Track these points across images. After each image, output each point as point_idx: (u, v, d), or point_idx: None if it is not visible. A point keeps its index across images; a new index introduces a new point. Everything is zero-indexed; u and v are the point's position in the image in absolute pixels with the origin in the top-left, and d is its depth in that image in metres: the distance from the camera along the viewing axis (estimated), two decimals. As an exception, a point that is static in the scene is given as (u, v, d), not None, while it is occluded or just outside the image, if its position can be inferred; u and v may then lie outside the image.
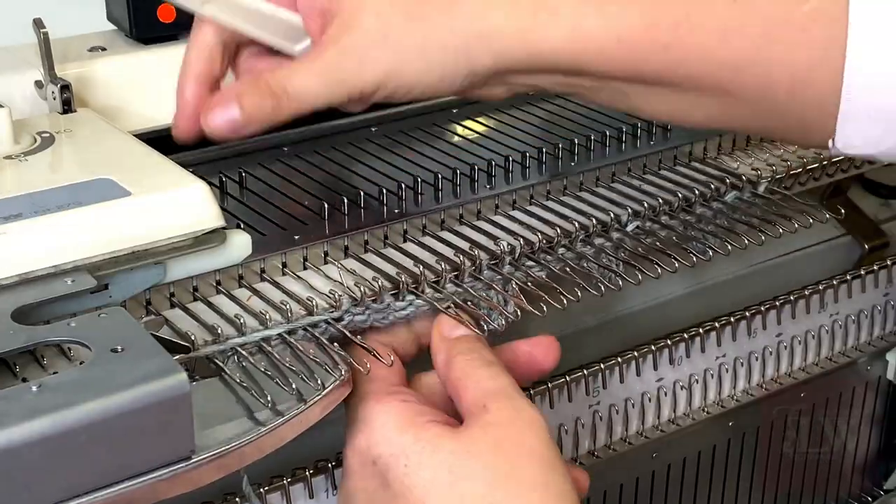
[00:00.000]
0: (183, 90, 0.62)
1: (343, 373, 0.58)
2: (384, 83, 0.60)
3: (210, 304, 0.64)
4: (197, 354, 0.59)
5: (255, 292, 0.65)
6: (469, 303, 0.65)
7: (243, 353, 0.60)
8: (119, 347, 0.50)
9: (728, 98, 0.62)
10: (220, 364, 0.59)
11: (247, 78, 0.63)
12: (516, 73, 0.61)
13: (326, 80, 0.59)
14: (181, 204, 0.59)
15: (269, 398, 0.56)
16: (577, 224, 0.72)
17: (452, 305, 0.65)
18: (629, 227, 0.73)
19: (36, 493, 0.46)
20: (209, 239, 0.59)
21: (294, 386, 0.57)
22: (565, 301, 0.67)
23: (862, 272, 0.90)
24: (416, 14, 0.59)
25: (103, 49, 0.79)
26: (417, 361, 0.66)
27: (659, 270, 0.69)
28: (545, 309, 0.66)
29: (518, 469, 0.56)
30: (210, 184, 0.62)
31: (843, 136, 0.61)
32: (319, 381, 0.57)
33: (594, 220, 0.72)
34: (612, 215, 0.73)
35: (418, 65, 0.60)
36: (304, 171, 0.78)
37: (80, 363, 0.50)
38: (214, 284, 0.65)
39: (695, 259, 0.72)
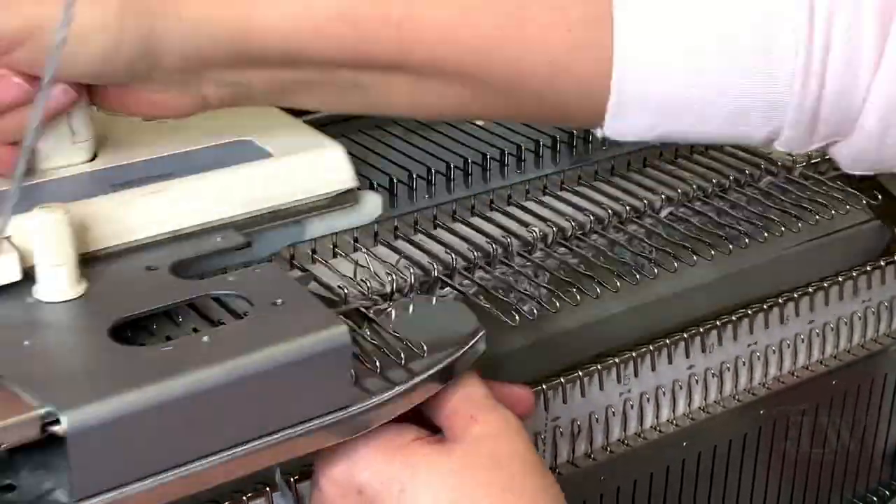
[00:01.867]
0: None
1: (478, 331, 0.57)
2: (26, 38, 0.50)
3: (352, 260, 0.65)
4: (348, 308, 0.59)
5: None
6: (500, 290, 0.64)
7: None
8: (278, 301, 0.51)
9: (476, 85, 0.55)
10: (373, 317, 0.59)
11: None
12: (214, 66, 0.53)
13: None
14: (318, 165, 0.61)
15: (420, 348, 0.55)
16: (609, 210, 0.71)
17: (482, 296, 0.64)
18: (662, 213, 0.73)
19: (206, 437, 0.48)
20: (344, 199, 0.61)
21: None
22: (598, 290, 0.66)
23: (895, 258, 0.88)
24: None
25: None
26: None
27: (695, 258, 0.68)
28: (578, 298, 0.65)
29: (518, 480, 0.54)
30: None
31: (612, 126, 0.56)
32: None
33: (627, 207, 0.71)
34: (645, 202, 0.72)
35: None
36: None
37: (240, 315, 0.52)
38: (352, 241, 0.66)
39: (731, 247, 0.71)
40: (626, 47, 0.53)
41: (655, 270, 0.68)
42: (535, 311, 0.64)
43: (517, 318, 0.63)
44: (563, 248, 0.69)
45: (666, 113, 0.55)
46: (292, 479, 0.63)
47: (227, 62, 0.53)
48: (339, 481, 0.55)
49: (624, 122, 0.56)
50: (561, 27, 0.54)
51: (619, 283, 0.65)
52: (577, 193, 0.74)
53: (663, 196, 0.73)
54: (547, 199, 0.74)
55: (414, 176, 0.72)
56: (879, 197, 0.83)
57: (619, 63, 0.54)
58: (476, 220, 0.71)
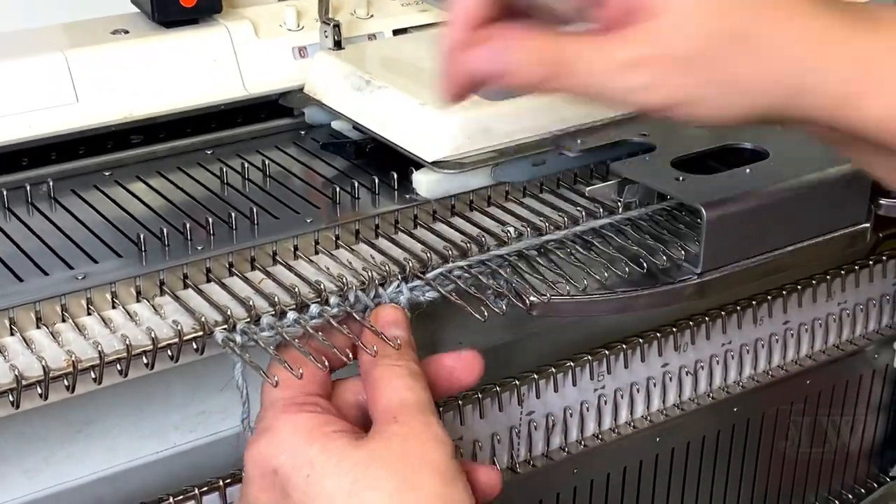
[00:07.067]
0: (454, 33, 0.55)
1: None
2: (671, 108, 0.53)
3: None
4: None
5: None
6: (473, 288, 0.67)
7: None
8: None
9: None
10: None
11: (522, 32, 0.54)
12: (812, 126, 0.56)
13: (611, 83, 0.53)
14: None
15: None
16: (582, 210, 0.73)
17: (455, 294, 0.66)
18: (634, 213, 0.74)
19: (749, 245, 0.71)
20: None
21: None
22: (568, 289, 0.67)
23: (870, 262, 0.90)
24: (740, 41, 0.52)
25: (126, 32, 0.81)
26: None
27: (664, 258, 0.70)
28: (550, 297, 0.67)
29: (419, 480, 0.56)
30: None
31: None
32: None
33: (601, 209, 0.73)
34: (618, 202, 0.74)
35: (718, 102, 0.53)
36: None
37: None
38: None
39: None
40: None
41: (627, 269, 0.69)
42: (504, 307, 0.66)
43: (486, 314, 0.65)
44: (537, 246, 0.70)
45: None
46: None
47: (826, 129, 0.55)
48: (259, 460, 0.58)
49: None
50: None
51: (587, 283, 0.67)
52: (557, 195, 0.76)
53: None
54: (527, 199, 0.76)
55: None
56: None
57: None
58: (455, 220, 0.73)
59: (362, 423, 0.61)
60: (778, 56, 0.52)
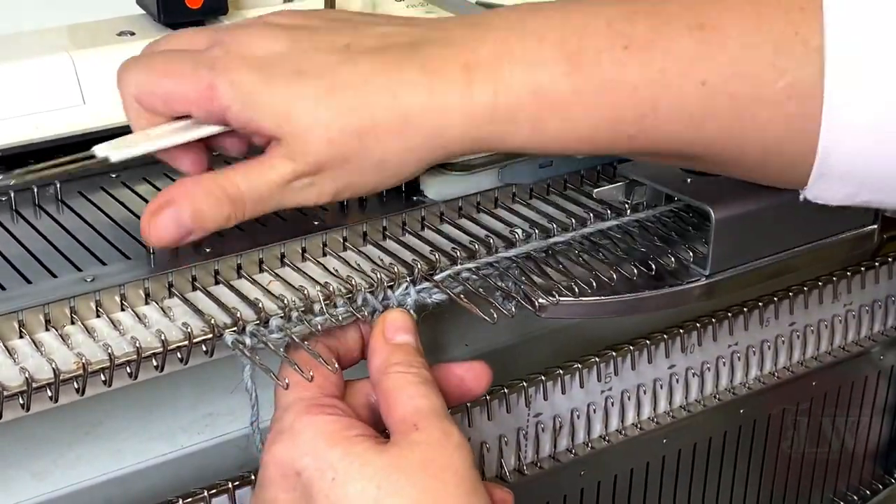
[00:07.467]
0: None
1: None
2: (340, 193, 0.64)
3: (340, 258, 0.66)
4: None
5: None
6: (481, 289, 0.67)
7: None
8: None
9: (697, 163, 0.67)
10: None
11: (190, 180, 0.64)
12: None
13: (282, 198, 0.63)
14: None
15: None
16: (591, 215, 0.73)
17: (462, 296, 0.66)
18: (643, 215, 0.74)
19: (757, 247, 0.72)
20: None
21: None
22: (576, 290, 0.68)
23: (876, 263, 0.91)
24: (369, 138, 0.61)
25: (132, 33, 0.81)
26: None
27: (673, 260, 0.70)
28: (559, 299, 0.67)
29: (443, 489, 0.56)
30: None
31: (814, 190, 0.64)
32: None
33: (608, 211, 0.73)
34: (627, 203, 0.74)
35: (375, 177, 0.63)
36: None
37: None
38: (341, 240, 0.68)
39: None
40: (832, 132, 0.60)
41: (635, 271, 0.70)
42: (513, 309, 0.66)
43: (495, 317, 0.65)
44: (545, 248, 0.70)
45: (868, 186, 0.63)
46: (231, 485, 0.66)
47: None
48: (281, 462, 0.58)
49: (825, 190, 0.64)
50: (777, 121, 0.61)
51: (595, 284, 0.67)
52: (564, 196, 0.76)
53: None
54: (534, 201, 0.76)
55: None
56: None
57: (823, 147, 0.61)
58: (463, 221, 0.73)
59: (375, 425, 0.61)
60: (413, 133, 0.61)
